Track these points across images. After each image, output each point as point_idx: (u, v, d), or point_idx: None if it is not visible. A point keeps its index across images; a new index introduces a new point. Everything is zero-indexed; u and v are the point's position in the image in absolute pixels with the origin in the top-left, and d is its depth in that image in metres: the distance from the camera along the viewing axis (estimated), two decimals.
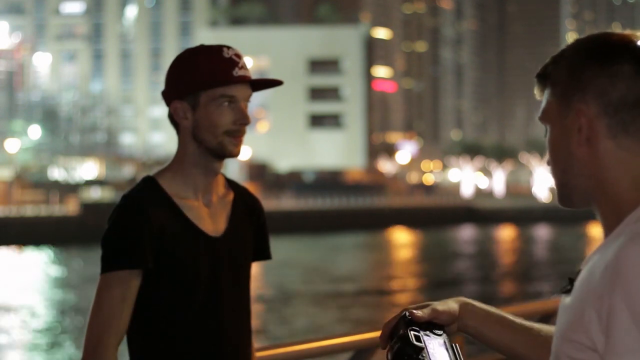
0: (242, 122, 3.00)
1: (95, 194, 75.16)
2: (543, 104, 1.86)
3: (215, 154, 3.01)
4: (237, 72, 3.00)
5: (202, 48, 3.04)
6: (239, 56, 3.02)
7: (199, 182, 3.03)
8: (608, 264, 1.67)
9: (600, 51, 1.79)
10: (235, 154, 3.02)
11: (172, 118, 3.06)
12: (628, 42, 1.79)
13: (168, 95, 3.05)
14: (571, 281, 1.79)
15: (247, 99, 3.04)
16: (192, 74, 3.00)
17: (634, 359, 1.61)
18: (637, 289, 1.63)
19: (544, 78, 1.85)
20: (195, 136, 3.01)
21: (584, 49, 1.81)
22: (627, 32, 1.82)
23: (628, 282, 1.63)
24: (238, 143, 3.02)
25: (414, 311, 2.03)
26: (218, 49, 3.01)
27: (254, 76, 3.06)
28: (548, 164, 1.85)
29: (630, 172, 1.76)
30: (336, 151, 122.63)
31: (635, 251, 1.65)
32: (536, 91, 1.88)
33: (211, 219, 3.04)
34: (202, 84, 2.98)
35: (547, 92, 1.85)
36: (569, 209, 1.85)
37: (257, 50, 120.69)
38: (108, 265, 2.92)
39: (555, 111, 1.83)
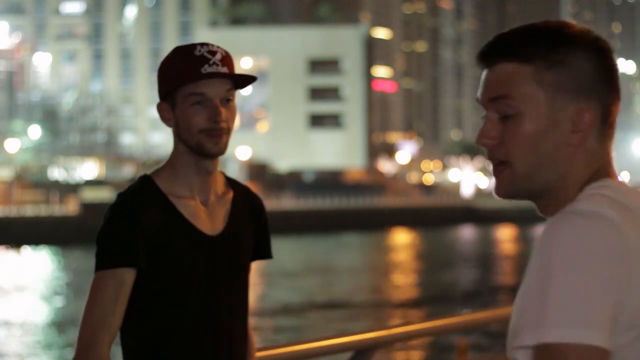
0: (215, 119, 2.92)
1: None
2: None
3: (198, 153, 2.96)
4: (207, 69, 2.91)
5: (177, 48, 2.99)
6: (212, 53, 2.94)
7: (193, 181, 2.99)
8: (535, 245, 1.72)
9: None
10: (215, 153, 2.94)
11: None
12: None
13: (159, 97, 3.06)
14: None
15: (224, 96, 2.94)
16: (165, 74, 2.97)
17: (556, 333, 1.60)
18: (557, 263, 1.64)
19: None
20: (179, 136, 2.98)
21: None
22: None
23: (548, 256, 1.65)
24: (218, 141, 2.93)
25: None
26: (191, 47, 2.95)
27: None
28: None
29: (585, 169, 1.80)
30: (336, 151, 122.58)
31: (559, 226, 1.68)
32: None
33: (209, 217, 3.00)
34: (172, 83, 2.95)
35: None
36: (502, 198, 1.85)
37: (257, 50, 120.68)
38: (101, 263, 2.90)
39: None
